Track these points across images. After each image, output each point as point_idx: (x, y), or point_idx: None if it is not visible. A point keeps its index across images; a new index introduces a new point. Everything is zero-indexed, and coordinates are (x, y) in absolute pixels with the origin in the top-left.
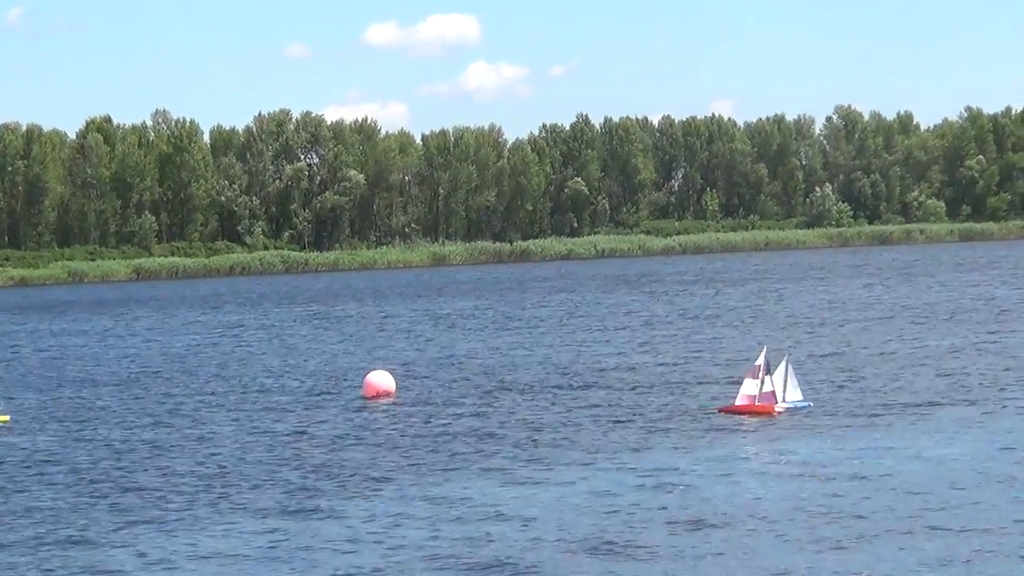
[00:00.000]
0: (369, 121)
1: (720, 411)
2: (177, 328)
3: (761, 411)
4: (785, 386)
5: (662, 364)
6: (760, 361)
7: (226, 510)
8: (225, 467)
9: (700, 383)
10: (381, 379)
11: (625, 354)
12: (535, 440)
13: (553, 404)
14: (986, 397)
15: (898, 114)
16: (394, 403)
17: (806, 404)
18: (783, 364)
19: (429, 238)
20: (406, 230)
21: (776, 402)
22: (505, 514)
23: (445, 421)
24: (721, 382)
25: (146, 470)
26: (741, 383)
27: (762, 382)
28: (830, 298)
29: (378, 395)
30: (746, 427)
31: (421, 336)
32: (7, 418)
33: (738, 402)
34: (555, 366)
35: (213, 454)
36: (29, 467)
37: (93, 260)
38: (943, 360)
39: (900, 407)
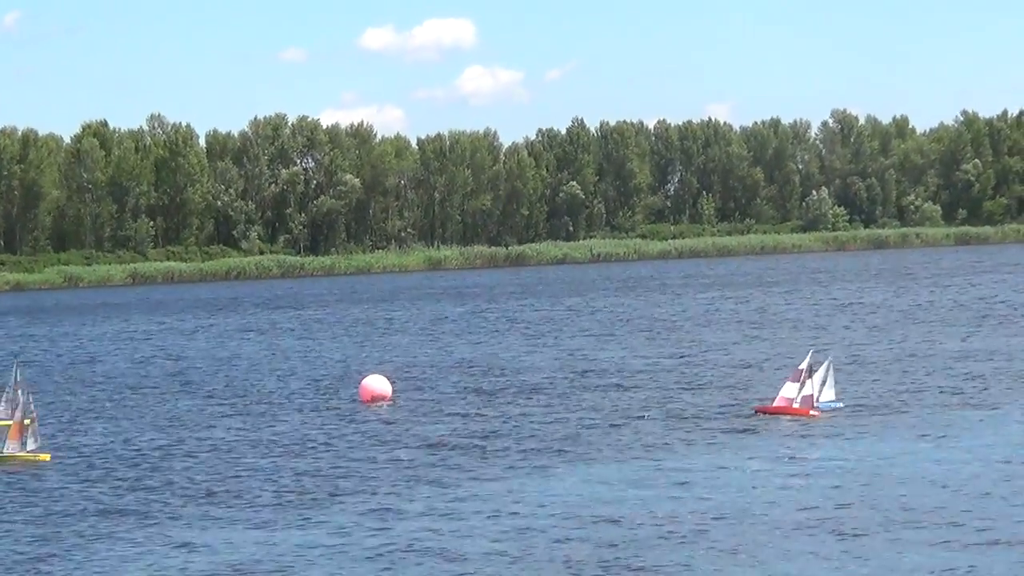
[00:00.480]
0: (365, 125)
1: (756, 411)
2: (173, 332)
3: (797, 413)
4: (822, 387)
5: (669, 367)
6: (803, 365)
7: (221, 514)
8: (220, 471)
9: (711, 386)
10: (377, 383)
11: (627, 357)
12: (533, 442)
13: (551, 406)
14: (1002, 400)
15: (894, 118)
16: (390, 407)
17: (837, 404)
18: (825, 366)
19: (425, 242)
20: (402, 234)
21: (813, 406)
22: (502, 515)
23: (442, 425)
24: (735, 386)
25: (139, 473)
26: (777, 385)
27: (802, 385)
28: (839, 302)
29: (374, 399)
30: (779, 427)
31: (418, 340)
32: (48, 456)
33: (776, 403)
34: (553, 369)
35: (208, 457)
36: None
37: (89, 265)
38: (961, 361)
39: (927, 407)
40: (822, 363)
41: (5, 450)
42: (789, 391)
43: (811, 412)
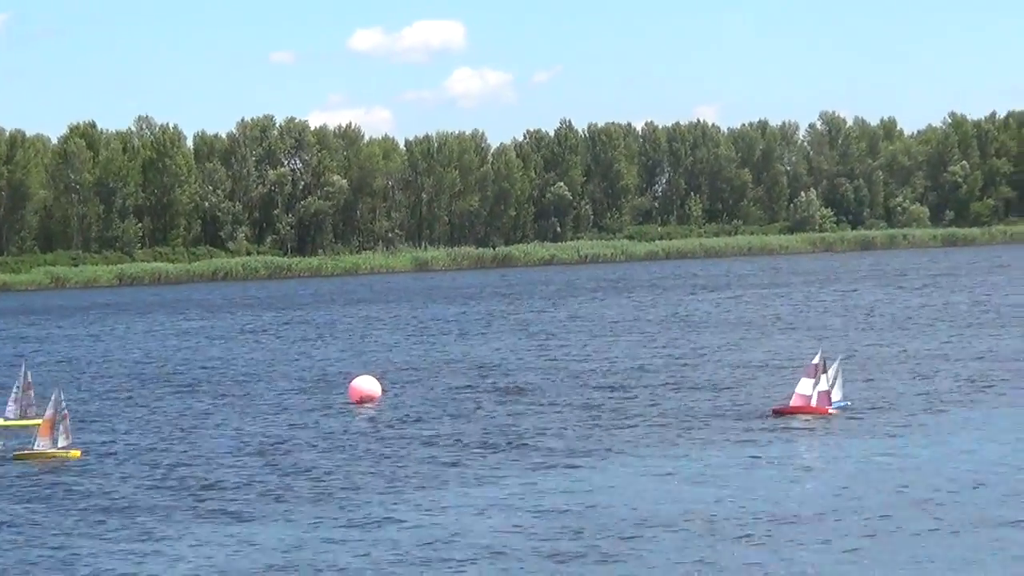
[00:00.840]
0: (353, 127)
1: (773, 412)
2: (161, 333)
3: (815, 412)
4: (832, 386)
5: (660, 368)
6: (817, 360)
7: (208, 514)
8: (207, 471)
9: (710, 387)
10: (366, 384)
11: (621, 357)
12: (523, 442)
13: (541, 406)
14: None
15: (882, 120)
16: (379, 408)
17: (846, 403)
18: (835, 365)
19: (412, 243)
20: (389, 235)
21: (830, 402)
22: (492, 514)
23: (432, 425)
24: (735, 387)
25: (130, 474)
26: (780, 386)
27: (817, 381)
28: (831, 303)
29: (363, 400)
30: (797, 426)
31: (406, 340)
32: (79, 453)
33: (793, 402)
34: (543, 369)
35: (195, 457)
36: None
37: (76, 266)
38: (965, 362)
39: (936, 406)
40: (833, 361)
41: (36, 447)
42: (804, 387)
43: (828, 410)
